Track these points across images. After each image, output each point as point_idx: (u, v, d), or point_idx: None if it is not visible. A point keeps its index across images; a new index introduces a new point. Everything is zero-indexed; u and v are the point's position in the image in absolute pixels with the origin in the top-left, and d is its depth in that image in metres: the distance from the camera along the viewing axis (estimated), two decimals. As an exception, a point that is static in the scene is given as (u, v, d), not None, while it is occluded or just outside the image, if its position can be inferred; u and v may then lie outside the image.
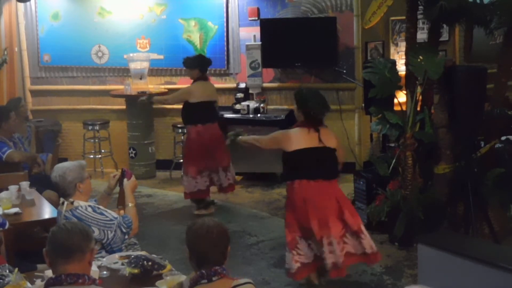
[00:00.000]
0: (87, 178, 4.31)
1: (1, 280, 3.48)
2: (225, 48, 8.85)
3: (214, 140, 7.26)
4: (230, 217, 7.29)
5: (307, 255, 5.19)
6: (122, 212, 4.38)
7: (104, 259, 4.00)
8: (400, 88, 6.45)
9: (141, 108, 8.37)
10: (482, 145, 6.20)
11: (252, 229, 6.92)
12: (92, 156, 9.26)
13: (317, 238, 5.10)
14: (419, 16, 6.43)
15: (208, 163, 7.28)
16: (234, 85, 8.86)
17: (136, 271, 3.72)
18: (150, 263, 3.76)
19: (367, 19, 8.26)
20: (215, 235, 2.98)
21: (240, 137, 5.70)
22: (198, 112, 7.27)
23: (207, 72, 7.55)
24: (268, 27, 8.57)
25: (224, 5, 8.77)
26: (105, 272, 3.83)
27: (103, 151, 9.28)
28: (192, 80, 7.39)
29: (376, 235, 6.49)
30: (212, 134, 7.29)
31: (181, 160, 8.94)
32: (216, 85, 8.58)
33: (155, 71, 9.14)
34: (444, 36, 7.82)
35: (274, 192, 8.18)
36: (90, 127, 9.08)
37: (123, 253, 4.12)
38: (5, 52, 8.86)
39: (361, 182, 6.76)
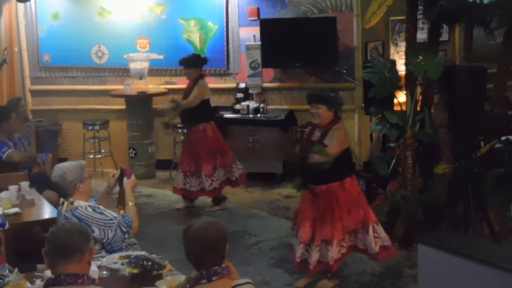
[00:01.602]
0: (87, 178, 4.31)
1: (1, 280, 3.48)
2: (225, 48, 8.84)
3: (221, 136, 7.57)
4: (230, 217, 7.29)
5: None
6: (122, 211, 4.38)
7: (104, 259, 4.00)
8: (400, 88, 6.45)
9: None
10: (482, 145, 6.20)
11: (252, 229, 6.92)
12: (92, 156, 9.26)
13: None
14: (419, 16, 6.43)
15: (222, 159, 7.48)
16: (234, 85, 8.86)
17: (136, 271, 3.72)
18: (150, 263, 3.76)
19: (367, 19, 8.26)
20: (212, 237, 2.96)
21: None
22: (211, 109, 7.54)
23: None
24: (268, 27, 8.57)
25: (224, 5, 8.77)
26: (105, 272, 3.83)
27: (103, 151, 9.28)
28: (191, 79, 7.41)
29: (376, 235, 6.50)
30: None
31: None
32: (216, 85, 8.64)
33: (155, 71, 9.14)
34: (444, 36, 7.82)
35: (274, 192, 8.18)
36: (90, 127, 9.08)
37: (123, 253, 4.12)
38: (5, 52, 8.86)
39: (361, 182, 6.76)
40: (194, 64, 7.34)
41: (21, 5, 9.20)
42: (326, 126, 5.25)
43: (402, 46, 7.72)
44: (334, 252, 5.29)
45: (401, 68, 6.97)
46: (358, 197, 5.45)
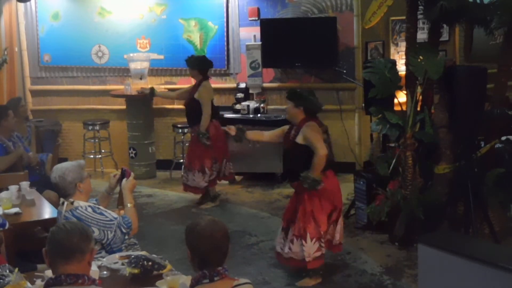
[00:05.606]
0: (87, 178, 4.31)
1: (1, 280, 3.48)
2: (225, 48, 8.85)
3: None
4: (230, 217, 7.29)
5: None
6: (122, 212, 4.38)
7: (104, 259, 4.00)
8: (400, 88, 6.45)
9: None
10: (482, 145, 6.20)
11: (252, 229, 6.92)
12: (92, 156, 9.26)
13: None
14: (419, 16, 6.43)
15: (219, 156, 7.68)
16: (234, 85, 8.86)
17: (136, 271, 3.73)
18: (150, 263, 3.76)
19: (367, 19, 8.26)
20: (219, 237, 2.97)
21: None
22: (213, 109, 7.64)
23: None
24: (268, 27, 8.57)
25: (224, 5, 8.77)
26: (105, 272, 3.83)
27: (103, 151, 9.28)
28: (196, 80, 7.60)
29: (376, 235, 6.51)
30: None
31: (182, 160, 8.96)
32: (216, 85, 8.63)
33: (155, 71, 9.14)
34: (444, 36, 7.82)
35: (274, 192, 8.18)
36: (90, 127, 9.08)
37: (123, 253, 4.12)
38: (5, 52, 8.85)
39: (361, 182, 6.76)
40: (192, 65, 7.49)
41: (21, 5, 9.20)
42: (299, 124, 5.49)
43: (402, 46, 7.73)
44: (309, 248, 5.39)
45: (401, 68, 6.97)
46: (327, 193, 5.48)
